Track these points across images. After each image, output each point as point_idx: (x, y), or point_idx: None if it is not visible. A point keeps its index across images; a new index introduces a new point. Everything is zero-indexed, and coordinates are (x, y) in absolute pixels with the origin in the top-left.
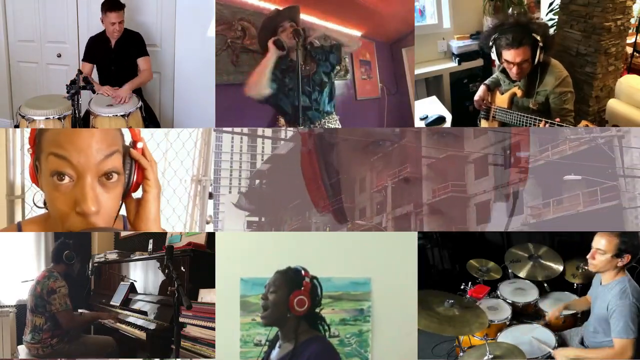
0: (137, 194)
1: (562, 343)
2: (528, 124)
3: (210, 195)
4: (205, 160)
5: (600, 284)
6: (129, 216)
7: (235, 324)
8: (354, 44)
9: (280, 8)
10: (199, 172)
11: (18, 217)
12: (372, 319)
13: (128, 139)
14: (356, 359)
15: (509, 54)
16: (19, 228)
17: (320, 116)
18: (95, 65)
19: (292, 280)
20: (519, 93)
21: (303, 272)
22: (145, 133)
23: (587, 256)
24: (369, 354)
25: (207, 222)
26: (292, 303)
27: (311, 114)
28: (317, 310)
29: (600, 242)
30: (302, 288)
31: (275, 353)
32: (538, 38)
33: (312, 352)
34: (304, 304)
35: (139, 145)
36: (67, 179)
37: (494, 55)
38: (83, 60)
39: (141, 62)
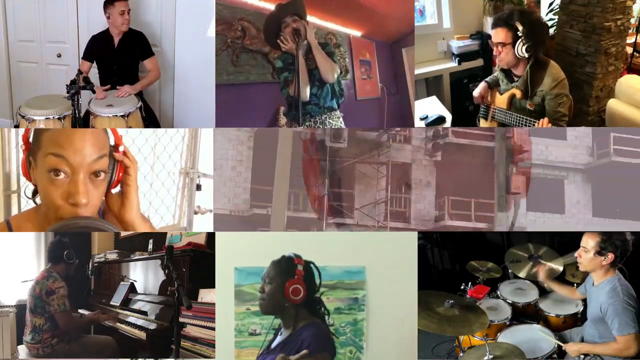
0: (115, 190)
1: (562, 343)
2: (527, 125)
3: (198, 187)
4: (192, 154)
5: (593, 285)
6: (113, 209)
7: (230, 314)
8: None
9: (282, 3)
10: (186, 165)
11: (14, 211)
12: (367, 308)
13: (112, 140)
14: (351, 348)
15: (493, 34)
16: (8, 225)
17: (320, 111)
18: (95, 64)
19: (284, 269)
20: (519, 94)
21: (295, 259)
22: (135, 132)
23: (575, 254)
24: (363, 342)
25: (196, 212)
26: (288, 293)
27: (310, 108)
28: (317, 295)
29: (584, 241)
30: (295, 277)
31: (277, 340)
32: (517, 25)
33: (307, 336)
34: (299, 292)
35: (121, 148)
36: (62, 175)
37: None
38: (83, 58)
39: (147, 63)
